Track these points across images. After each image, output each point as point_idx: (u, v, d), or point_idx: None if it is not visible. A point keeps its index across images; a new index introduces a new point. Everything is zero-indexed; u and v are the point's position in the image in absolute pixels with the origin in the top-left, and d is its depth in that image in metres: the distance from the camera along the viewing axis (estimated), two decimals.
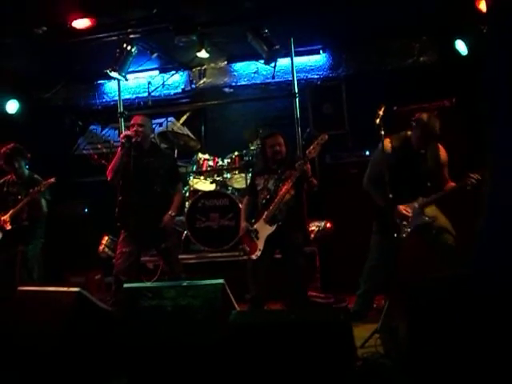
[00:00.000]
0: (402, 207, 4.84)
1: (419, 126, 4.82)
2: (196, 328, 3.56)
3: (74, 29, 6.13)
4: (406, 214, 4.85)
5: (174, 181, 5.54)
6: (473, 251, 3.49)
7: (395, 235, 4.58)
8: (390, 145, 4.95)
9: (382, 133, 4.54)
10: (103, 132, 8.78)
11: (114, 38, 6.68)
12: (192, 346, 3.52)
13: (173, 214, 5.38)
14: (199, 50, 6.95)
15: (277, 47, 6.50)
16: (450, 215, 5.02)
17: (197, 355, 3.49)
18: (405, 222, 4.85)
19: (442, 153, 5.01)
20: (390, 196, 4.56)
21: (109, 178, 5.33)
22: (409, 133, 4.96)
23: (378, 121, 4.53)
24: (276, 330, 3.36)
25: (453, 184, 4.90)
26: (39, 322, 3.85)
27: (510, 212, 3.26)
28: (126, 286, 4.05)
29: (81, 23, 6.09)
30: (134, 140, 5.24)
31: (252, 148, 7.16)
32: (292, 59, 6.98)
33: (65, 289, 4.00)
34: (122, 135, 5.38)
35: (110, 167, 5.36)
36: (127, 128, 5.53)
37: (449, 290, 3.35)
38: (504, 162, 3.39)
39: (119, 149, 5.33)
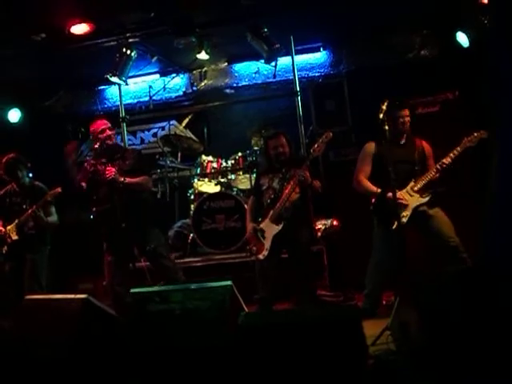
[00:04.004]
0: (397, 193, 4.82)
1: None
2: (205, 331, 3.52)
3: (73, 35, 6.11)
4: (403, 198, 4.87)
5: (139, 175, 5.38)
6: (480, 241, 3.47)
7: (396, 223, 4.61)
8: (373, 143, 5.14)
9: (386, 127, 4.51)
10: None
11: (112, 42, 6.68)
12: (202, 349, 3.49)
13: (124, 180, 5.16)
14: (199, 52, 6.94)
15: (277, 46, 6.48)
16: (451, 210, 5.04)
17: (207, 358, 3.46)
18: (402, 208, 4.84)
19: (426, 146, 5.15)
20: (379, 190, 4.90)
21: (83, 189, 5.31)
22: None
23: (381, 115, 4.50)
24: (286, 330, 3.32)
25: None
26: (47, 331, 3.82)
27: None
28: (133, 290, 4.02)
29: (79, 29, 6.07)
30: (106, 144, 5.22)
31: (255, 148, 7.15)
32: (293, 58, 6.95)
33: (72, 296, 3.98)
34: (96, 146, 5.31)
35: (80, 178, 5.35)
36: (96, 135, 5.40)
37: (459, 283, 3.31)
38: (510, 149, 3.37)
39: (90, 158, 5.26)
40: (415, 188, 4.94)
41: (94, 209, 5.33)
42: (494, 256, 3.26)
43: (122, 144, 7.37)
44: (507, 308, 3.10)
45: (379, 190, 4.96)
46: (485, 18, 5.79)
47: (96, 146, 5.23)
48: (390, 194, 4.61)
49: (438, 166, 4.88)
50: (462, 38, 6.49)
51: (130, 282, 5.03)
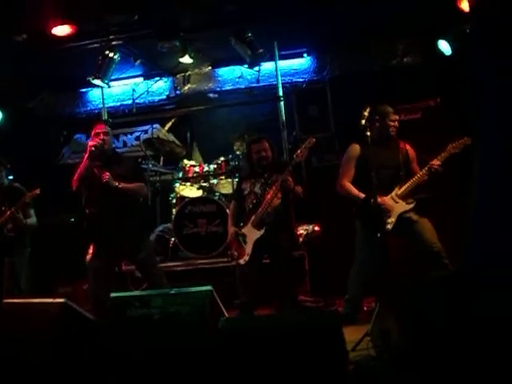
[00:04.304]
0: (382, 199, 4.84)
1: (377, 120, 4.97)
2: (185, 335, 3.50)
3: (55, 36, 6.05)
4: (388, 204, 4.87)
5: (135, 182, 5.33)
6: (462, 249, 3.48)
7: (381, 231, 4.59)
8: (358, 146, 5.10)
9: (368, 133, 4.53)
10: (88, 141, 8.68)
11: (95, 44, 6.64)
12: (181, 353, 3.47)
13: (119, 184, 5.10)
14: (182, 56, 6.93)
15: (260, 51, 6.49)
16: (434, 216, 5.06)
17: (186, 362, 3.44)
18: (387, 214, 4.85)
19: (410, 149, 5.16)
20: (363, 196, 4.89)
21: (74, 188, 5.22)
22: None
23: (363, 122, 4.52)
24: (266, 335, 3.31)
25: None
26: (25, 335, 3.77)
27: (498, 208, 3.25)
28: (113, 295, 3.98)
29: (61, 30, 6.01)
30: (101, 148, 5.16)
31: (238, 153, 7.14)
32: (276, 63, 6.96)
33: (50, 300, 3.93)
34: (90, 144, 5.24)
35: (75, 177, 5.21)
36: (91, 137, 5.37)
37: (440, 290, 3.32)
38: (491, 157, 3.39)
39: (85, 158, 5.19)
40: (400, 194, 4.94)
41: (87, 211, 5.25)
42: (474, 264, 3.27)
43: None
44: (486, 315, 3.11)
45: (362, 196, 4.95)
46: (466, 27, 5.85)
47: (91, 150, 5.17)
48: (373, 200, 4.62)
49: (428, 169, 4.87)
50: (444, 46, 6.54)
51: (112, 287, 4.97)
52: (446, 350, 3.13)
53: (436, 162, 4.85)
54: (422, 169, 4.98)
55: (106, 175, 5.03)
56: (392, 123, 5.08)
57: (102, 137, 5.21)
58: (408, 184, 4.95)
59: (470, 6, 4.70)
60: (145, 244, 5.43)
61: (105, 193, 5.08)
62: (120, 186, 5.09)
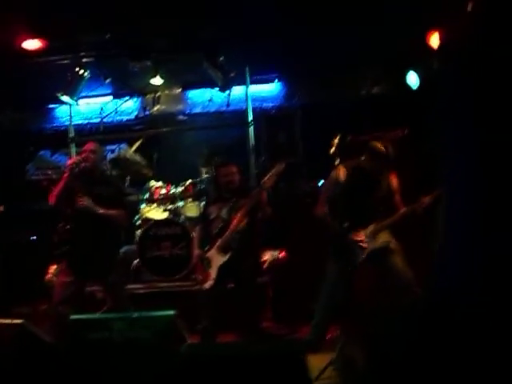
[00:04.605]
0: (356, 234, 4.82)
1: (377, 155, 4.83)
2: (146, 361, 3.42)
3: (25, 50, 5.98)
4: (361, 240, 4.83)
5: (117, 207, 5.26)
6: (430, 274, 3.49)
7: (350, 263, 4.56)
8: (344, 173, 4.91)
9: (337, 162, 4.54)
10: (53, 157, 8.54)
11: (66, 61, 6.57)
12: (142, 379, 3.39)
13: (99, 210, 5.04)
14: (154, 76, 6.91)
15: (232, 75, 6.51)
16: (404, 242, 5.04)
17: None
18: (359, 250, 4.83)
19: (394, 180, 5.04)
20: (346, 224, 4.70)
21: (52, 203, 5.13)
22: (362, 159, 4.94)
23: (332, 150, 4.54)
24: (228, 362, 3.25)
25: (404, 209, 4.91)
26: None
27: (464, 233, 3.29)
28: (72, 317, 3.88)
29: (32, 44, 5.95)
30: (82, 166, 5.08)
31: (205, 176, 7.11)
32: (247, 88, 6.98)
33: (8, 321, 3.81)
34: (69, 161, 5.20)
35: (54, 192, 5.13)
36: (77, 154, 5.36)
37: (408, 317, 3.32)
38: (455, 184, 3.45)
39: (66, 174, 5.14)
40: (376, 230, 4.86)
41: (65, 226, 5.13)
42: (445, 288, 3.28)
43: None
44: (459, 338, 3.11)
45: (339, 228, 4.82)
46: (434, 61, 5.98)
47: (70, 167, 5.08)
48: (350, 236, 4.59)
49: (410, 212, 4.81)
50: (412, 79, 6.64)
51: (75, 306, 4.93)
52: (413, 379, 3.12)
53: (420, 208, 4.78)
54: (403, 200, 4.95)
55: (84, 200, 4.96)
56: None
57: (86, 155, 5.13)
58: (388, 220, 4.85)
59: (440, 45, 4.80)
60: (116, 266, 5.33)
61: (84, 212, 5.00)
62: (100, 211, 5.02)
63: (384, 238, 4.92)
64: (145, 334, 3.50)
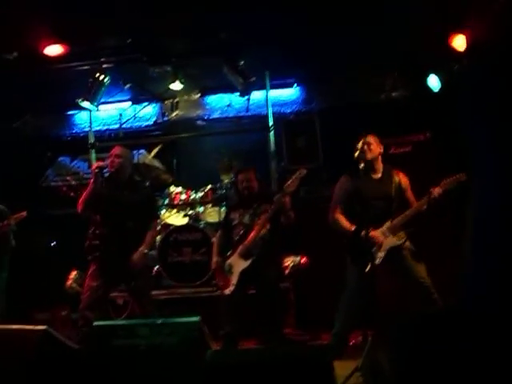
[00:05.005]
0: (372, 233, 4.77)
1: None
2: (172, 368, 3.39)
3: (47, 56, 5.98)
4: (378, 238, 4.78)
5: (149, 217, 5.30)
6: (458, 286, 3.44)
7: (369, 265, 4.51)
8: (349, 177, 5.00)
9: (361, 166, 4.50)
10: (72, 164, 8.57)
11: (86, 67, 6.58)
12: None
13: (144, 250, 5.09)
14: (173, 82, 6.90)
15: (252, 79, 6.47)
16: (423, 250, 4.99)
17: None
18: (376, 248, 4.77)
19: (403, 178, 5.04)
20: (354, 228, 4.74)
21: (79, 210, 5.12)
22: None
23: (356, 154, 4.50)
24: (254, 370, 3.21)
25: (416, 203, 4.86)
26: (5, 362, 3.62)
27: (494, 247, 3.23)
28: (96, 323, 3.86)
29: (53, 50, 5.93)
30: (107, 171, 5.06)
31: (225, 181, 7.09)
32: (267, 92, 6.96)
33: (30, 327, 3.80)
34: (94, 165, 5.19)
35: (81, 199, 5.12)
36: (102, 159, 5.31)
37: (435, 326, 3.26)
38: (486, 191, 3.39)
39: (92, 180, 5.12)
40: (391, 227, 4.83)
41: (97, 231, 5.10)
42: (473, 298, 3.23)
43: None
44: (483, 348, 3.06)
45: (353, 228, 4.83)
46: (456, 64, 5.92)
47: (94, 171, 5.09)
48: (363, 233, 4.55)
49: (428, 197, 4.71)
50: (433, 82, 6.57)
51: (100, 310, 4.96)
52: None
53: (437, 191, 4.70)
54: (416, 196, 4.91)
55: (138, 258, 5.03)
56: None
57: (111, 159, 5.10)
58: (403, 215, 4.82)
59: (467, 46, 4.74)
60: (145, 272, 5.34)
61: (111, 215, 5.02)
62: (144, 251, 5.08)
63: (401, 235, 4.89)
64: (170, 340, 3.47)
